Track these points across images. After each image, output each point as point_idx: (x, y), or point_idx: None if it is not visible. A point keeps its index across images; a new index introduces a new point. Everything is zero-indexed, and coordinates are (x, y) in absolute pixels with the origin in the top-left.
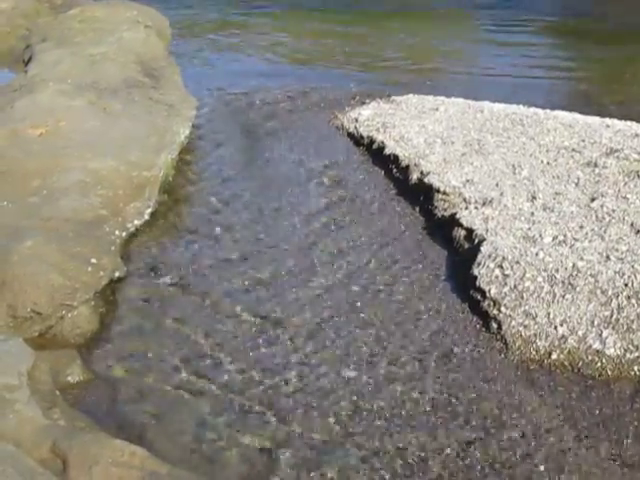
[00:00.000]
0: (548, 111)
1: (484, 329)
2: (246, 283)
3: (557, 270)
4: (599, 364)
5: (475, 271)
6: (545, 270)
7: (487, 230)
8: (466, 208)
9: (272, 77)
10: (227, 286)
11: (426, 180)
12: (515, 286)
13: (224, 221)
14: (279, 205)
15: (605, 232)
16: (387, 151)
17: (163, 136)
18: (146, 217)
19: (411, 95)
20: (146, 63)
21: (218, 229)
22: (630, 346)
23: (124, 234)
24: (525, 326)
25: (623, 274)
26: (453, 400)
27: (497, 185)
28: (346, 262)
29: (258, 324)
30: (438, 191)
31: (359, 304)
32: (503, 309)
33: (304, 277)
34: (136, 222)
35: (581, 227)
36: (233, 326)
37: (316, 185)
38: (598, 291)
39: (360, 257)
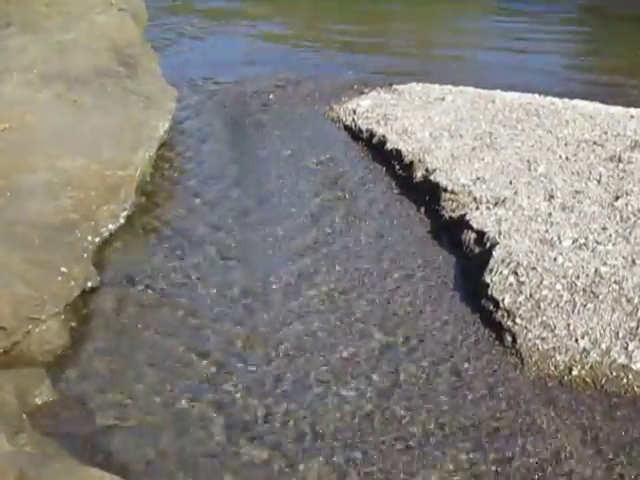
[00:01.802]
0: (567, 100)
1: (497, 342)
2: (233, 293)
3: (578, 277)
4: (625, 380)
5: (487, 278)
6: (564, 277)
7: (500, 233)
8: (477, 208)
9: (261, 65)
10: (212, 297)
11: (432, 178)
12: (531, 295)
13: (208, 225)
14: (269, 207)
15: (630, 234)
16: (389, 146)
17: (140, 131)
18: (121, 221)
19: (415, 84)
20: (120, 50)
21: (201, 234)
22: None
23: (97, 240)
24: (543, 339)
25: None
26: (463, 421)
27: (511, 183)
28: (344, 269)
29: (246, 339)
30: (445, 190)
31: (359, 315)
32: (518, 320)
33: (298, 287)
34: (110, 226)
35: (604, 229)
36: (218, 341)
37: (310, 184)
38: (623, 299)
39: (359, 264)
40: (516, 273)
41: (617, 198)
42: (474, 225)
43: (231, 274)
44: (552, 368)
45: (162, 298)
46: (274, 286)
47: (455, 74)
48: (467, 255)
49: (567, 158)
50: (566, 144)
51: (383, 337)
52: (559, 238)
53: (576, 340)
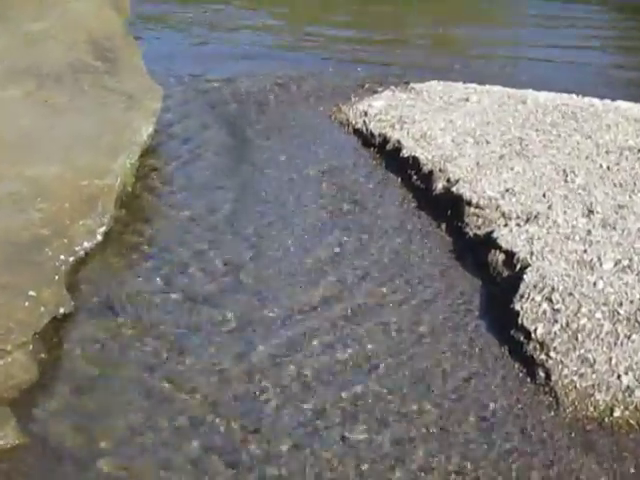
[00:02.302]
0: (608, 102)
1: (529, 379)
2: (224, 324)
3: (620, 304)
4: None
5: (517, 305)
6: (605, 304)
7: (532, 253)
8: (505, 225)
9: (259, 60)
10: (200, 327)
11: (454, 190)
12: (567, 324)
13: (197, 243)
14: (268, 223)
15: None
16: (405, 153)
17: (120, 135)
18: (99, 237)
19: (435, 82)
20: (99, 42)
21: (190, 253)
22: None
23: (71, 259)
24: (580, 375)
25: None
26: (491, 472)
27: (544, 196)
28: (353, 295)
29: (239, 375)
30: (470, 204)
31: (370, 346)
32: (553, 354)
33: (300, 316)
34: (86, 244)
35: None
36: (207, 378)
37: (315, 196)
38: None
39: (371, 288)
40: (550, 300)
41: None
42: (502, 244)
43: (223, 300)
44: (591, 408)
45: (144, 327)
46: (274, 312)
47: (481, 71)
48: (494, 279)
49: (608, 168)
50: (607, 152)
51: (396, 372)
52: (599, 259)
53: (619, 377)
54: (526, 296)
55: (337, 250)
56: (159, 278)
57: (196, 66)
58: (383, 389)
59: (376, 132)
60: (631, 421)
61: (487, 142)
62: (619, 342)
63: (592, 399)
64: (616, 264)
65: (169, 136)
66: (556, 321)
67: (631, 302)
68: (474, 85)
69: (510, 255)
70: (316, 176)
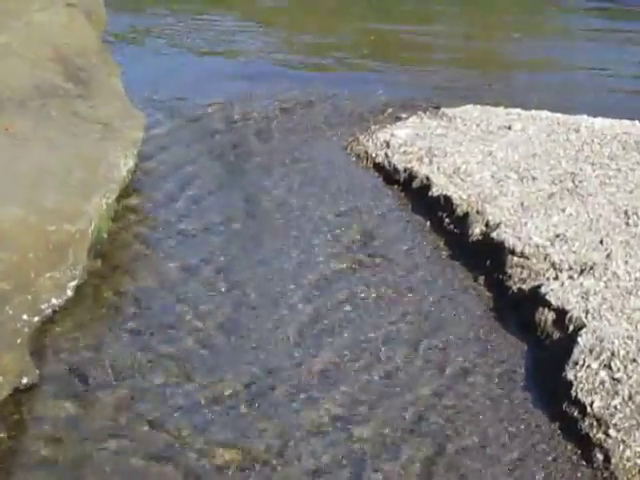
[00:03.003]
0: None
1: (583, 462)
2: (218, 402)
3: None
4: None
5: (569, 374)
6: None
7: (587, 311)
8: (555, 278)
9: (260, 80)
10: (187, 405)
11: (494, 235)
12: (630, 397)
13: (186, 302)
14: (270, 277)
15: None
16: (435, 192)
17: (95, 171)
18: (69, 293)
19: (470, 106)
20: (69, 60)
21: (176, 314)
22: None
23: (36, 319)
24: None
25: None
26: None
27: (602, 243)
28: (373, 364)
29: (229, 460)
30: (513, 252)
31: (398, 424)
32: (612, 432)
33: (308, 393)
34: (54, 301)
35: None
36: (194, 467)
37: (327, 245)
38: None
39: (397, 354)
40: (609, 367)
41: None
42: (552, 301)
43: (216, 372)
44: None
45: (120, 402)
46: (277, 389)
47: (525, 94)
48: (542, 342)
49: None
50: None
51: (431, 451)
52: None
53: None
54: (581, 363)
55: (353, 310)
56: (139, 343)
57: (185, 88)
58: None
59: (400, 167)
60: None
61: (533, 178)
62: None
63: None
64: None
65: (153, 172)
66: (617, 393)
67: None
68: (517, 110)
69: (561, 314)
70: (328, 220)
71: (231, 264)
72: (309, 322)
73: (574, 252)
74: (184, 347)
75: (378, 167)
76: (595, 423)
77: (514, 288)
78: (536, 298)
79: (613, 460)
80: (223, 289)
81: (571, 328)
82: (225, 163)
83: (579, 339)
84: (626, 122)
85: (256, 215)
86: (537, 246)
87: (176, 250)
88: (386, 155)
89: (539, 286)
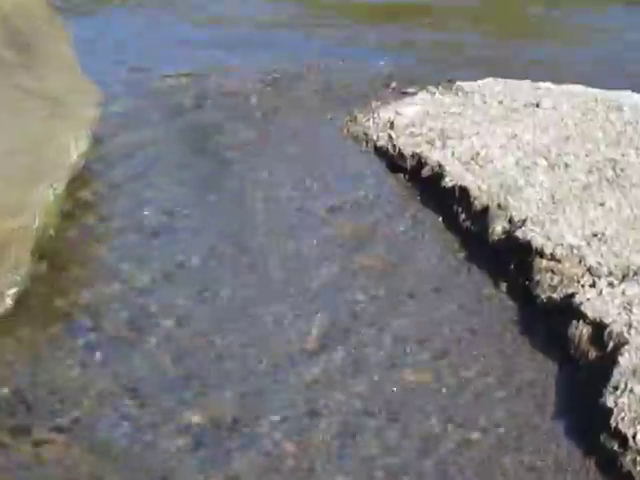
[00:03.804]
0: None
1: None
2: (183, 434)
3: None
4: None
5: (609, 400)
6: None
7: (630, 326)
8: (592, 285)
9: (240, 47)
10: (160, 452)
11: (519, 234)
12: None
13: (150, 314)
14: (251, 284)
15: None
16: (449, 181)
17: (40, 155)
18: (8, 302)
19: (491, 79)
20: (10, 23)
21: (138, 328)
22: None
23: None
24: None
25: None
26: None
27: None
28: (380, 386)
29: None
30: (542, 254)
31: (406, 459)
32: None
33: (304, 421)
34: None
35: None
36: None
37: (321, 246)
38: None
39: (403, 375)
40: None
41: None
42: (588, 312)
43: (193, 406)
44: None
45: (68, 436)
46: (267, 416)
47: (556, 64)
48: (576, 361)
49: None
50: None
51: None
52: None
53: None
54: (622, 387)
55: (352, 322)
56: (95, 362)
57: (149, 57)
58: None
59: (407, 152)
60: None
61: (566, 166)
62: None
63: None
64: None
65: (110, 156)
66: None
67: None
68: (547, 84)
69: (599, 328)
70: (322, 216)
71: (204, 268)
72: (297, 340)
73: (615, 254)
74: (145, 367)
75: (380, 152)
76: (638, 459)
77: (543, 297)
78: (569, 309)
79: None
80: (194, 298)
81: (611, 345)
82: (196, 147)
83: (620, 359)
84: None
85: (232, 210)
86: (571, 247)
87: (136, 251)
88: (390, 138)
89: (573, 295)
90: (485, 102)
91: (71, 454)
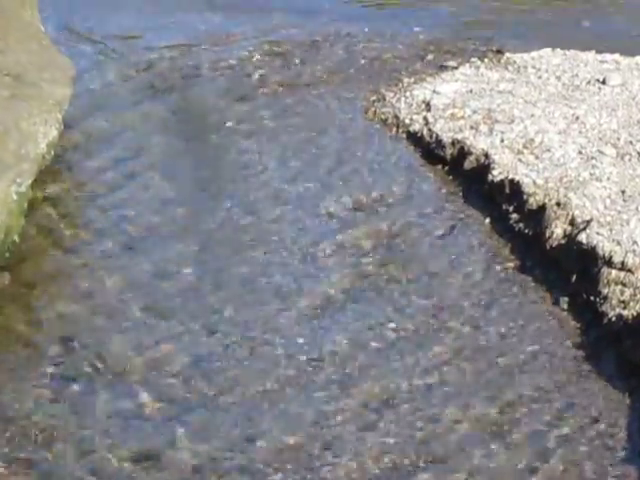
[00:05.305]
0: None
1: None
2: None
3: None
4: None
5: None
6: None
7: None
8: None
9: (237, 11)
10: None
11: (582, 239)
12: None
13: (128, 336)
14: (256, 300)
15: None
16: (497, 174)
17: (1, 144)
18: None
19: (548, 50)
20: None
21: (115, 353)
22: None
23: None
24: None
25: None
26: None
27: None
28: (418, 421)
29: None
30: (610, 263)
31: None
32: None
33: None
34: None
35: None
36: None
37: (340, 253)
38: None
39: (445, 414)
40: None
41: None
42: None
43: (172, 443)
44: None
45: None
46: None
47: (626, 32)
48: None
49: None
50: None
51: None
52: None
53: None
54: None
55: (378, 352)
56: (65, 395)
57: (131, 24)
58: None
59: (447, 138)
60: None
61: (639, 155)
62: None
63: None
64: None
65: (84, 145)
66: None
67: None
68: (615, 56)
69: None
70: (342, 215)
71: (196, 281)
72: (307, 367)
73: None
74: (127, 403)
75: (414, 138)
76: None
77: (611, 315)
78: None
79: None
80: (184, 320)
81: None
82: (186, 132)
83: None
84: None
85: (231, 210)
86: None
87: (115, 260)
88: (426, 121)
89: None
90: (540, 78)
91: None
